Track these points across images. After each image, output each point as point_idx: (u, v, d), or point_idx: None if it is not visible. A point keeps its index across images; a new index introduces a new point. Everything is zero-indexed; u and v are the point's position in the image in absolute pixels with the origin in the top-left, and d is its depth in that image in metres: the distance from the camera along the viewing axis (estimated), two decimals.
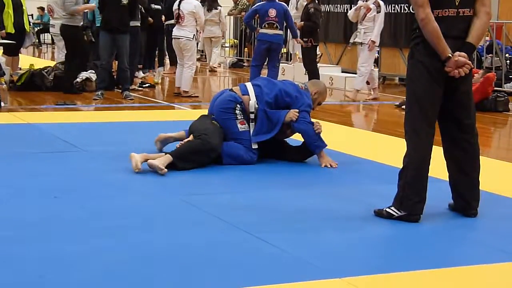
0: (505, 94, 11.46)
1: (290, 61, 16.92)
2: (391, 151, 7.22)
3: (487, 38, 15.82)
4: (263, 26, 11.70)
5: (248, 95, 6.64)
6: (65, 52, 12.53)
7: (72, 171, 6.06)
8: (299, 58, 15.03)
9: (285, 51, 18.41)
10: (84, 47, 12.36)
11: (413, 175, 4.72)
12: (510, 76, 13.32)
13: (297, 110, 6.54)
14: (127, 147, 6.93)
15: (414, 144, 4.75)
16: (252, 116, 6.57)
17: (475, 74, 11.35)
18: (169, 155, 6.11)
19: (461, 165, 4.90)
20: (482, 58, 14.51)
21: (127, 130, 7.81)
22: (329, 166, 6.49)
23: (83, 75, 12.36)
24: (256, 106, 6.56)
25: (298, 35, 12.39)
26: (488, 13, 4.76)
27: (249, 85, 6.78)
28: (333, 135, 7.47)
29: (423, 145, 4.73)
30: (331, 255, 4.09)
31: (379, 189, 5.56)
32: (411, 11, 14.15)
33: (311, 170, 6.41)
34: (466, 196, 4.93)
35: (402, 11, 14.44)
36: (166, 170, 5.95)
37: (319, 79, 12.17)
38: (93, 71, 12.33)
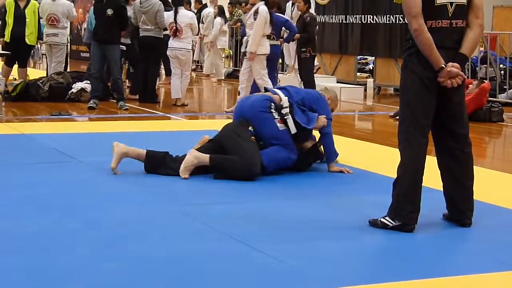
0: (500, 105, 11.49)
1: (285, 71, 16.93)
2: (386, 161, 7.23)
3: (482, 49, 15.88)
4: None
5: (278, 95, 6.72)
6: (56, 62, 12.74)
7: (68, 181, 6.06)
8: (294, 69, 15.06)
9: (280, 61, 18.43)
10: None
11: (407, 185, 4.73)
12: (505, 87, 13.36)
13: (325, 116, 6.71)
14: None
15: (408, 154, 4.76)
16: (285, 111, 6.60)
17: (469, 85, 11.40)
18: (208, 159, 6.22)
19: (455, 175, 4.92)
20: (477, 68, 14.56)
21: (122, 141, 7.77)
22: (345, 172, 6.68)
23: (78, 85, 12.37)
24: (288, 102, 6.66)
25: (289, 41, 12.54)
26: (481, 25, 4.80)
27: (276, 89, 6.93)
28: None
29: (416, 155, 4.75)
30: (327, 264, 4.09)
31: (373, 199, 5.57)
32: (406, 22, 14.20)
33: (306, 180, 6.42)
34: (460, 206, 4.95)
35: (397, 22, 14.49)
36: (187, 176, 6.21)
37: (315, 88, 12.24)
38: (88, 82, 12.35)
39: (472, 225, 4.93)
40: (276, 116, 6.57)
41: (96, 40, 11.43)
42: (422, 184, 4.78)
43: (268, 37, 11.56)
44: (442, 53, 4.64)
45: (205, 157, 6.25)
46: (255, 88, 11.25)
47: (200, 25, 17.63)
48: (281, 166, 6.51)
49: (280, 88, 6.93)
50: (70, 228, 4.68)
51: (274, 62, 11.93)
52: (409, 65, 4.77)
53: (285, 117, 6.59)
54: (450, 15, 4.70)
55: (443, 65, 4.63)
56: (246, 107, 6.72)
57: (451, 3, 4.69)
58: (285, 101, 6.65)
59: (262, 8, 11.03)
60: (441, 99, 4.77)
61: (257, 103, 6.65)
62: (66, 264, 3.97)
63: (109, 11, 11.32)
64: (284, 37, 12.73)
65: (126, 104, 11.58)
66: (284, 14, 16.91)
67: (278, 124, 6.56)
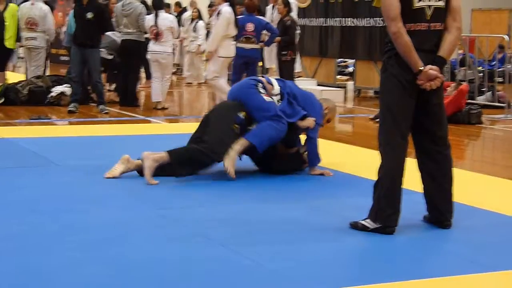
0: (478, 107, 11.56)
1: (266, 74, 16.95)
2: (366, 163, 7.25)
3: (460, 52, 15.98)
4: (240, 40, 11.70)
5: (272, 84, 6.78)
6: (35, 66, 12.67)
7: (48, 185, 6.04)
8: (274, 71, 15.07)
9: (260, 64, 18.44)
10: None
11: (387, 187, 4.76)
12: (483, 89, 13.44)
13: (314, 119, 6.72)
14: (102, 161, 6.93)
15: (388, 157, 4.78)
16: (275, 98, 6.66)
17: (447, 88, 11.46)
18: (167, 156, 6.19)
19: (435, 177, 4.94)
20: (456, 71, 14.64)
21: (102, 144, 7.79)
22: (326, 174, 6.72)
23: (58, 89, 12.32)
24: (280, 92, 6.73)
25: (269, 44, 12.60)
26: (459, 28, 4.83)
27: (271, 78, 6.99)
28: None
29: (396, 157, 4.77)
30: (307, 267, 4.10)
31: (354, 201, 5.59)
32: (385, 24, 14.26)
33: (286, 183, 6.43)
34: (440, 208, 4.97)
35: (377, 25, 14.55)
36: (156, 182, 6.11)
37: None
38: (68, 85, 12.29)
39: (451, 226, 4.96)
40: (262, 91, 6.63)
41: (77, 44, 11.35)
42: (402, 186, 4.80)
43: (248, 40, 11.57)
44: (421, 55, 4.67)
45: (163, 155, 6.21)
46: None
47: (181, 28, 17.58)
48: (273, 142, 6.54)
49: (277, 79, 7.00)
50: (50, 231, 4.67)
51: (254, 66, 11.94)
52: (388, 68, 4.80)
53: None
54: (428, 18, 4.73)
55: (421, 68, 4.65)
56: (235, 87, 6.91)
57: (429, 6, 4.73)
58: (276, 89, 6.71)
59: (225, 9, 11.11)
60: (420, 102, 4.80)
61: (244, 83, 6.86)
62: (47, 267, 3.96)
63: (89, 15, 11.26)
64: (265, 40, 12.73)
65: (106, 107, 11.55)
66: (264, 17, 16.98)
67: (265, 97, 6.60)
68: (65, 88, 12.28)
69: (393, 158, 4.77)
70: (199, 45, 17.03)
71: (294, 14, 14.70)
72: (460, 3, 4.86)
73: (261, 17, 12.51)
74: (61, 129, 10.01)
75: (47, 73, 13.93)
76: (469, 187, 6.43)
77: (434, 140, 4.91)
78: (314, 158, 6.76)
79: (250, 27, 11.63)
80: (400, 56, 4.69)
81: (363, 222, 4.83)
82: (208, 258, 4.20)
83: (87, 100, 12.28)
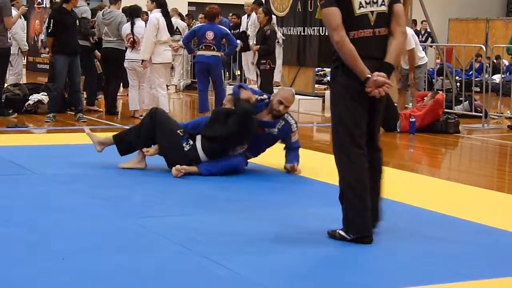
0: (456, 116, 11.62)
1: (244, 83, 16.95)
2: None
3: (438, 61, 16.08)
4: (200, 48, 11.70)
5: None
6: (14, 74, 12.60)
7: (23, 194, 5.99)
8: (253, 80, 15.08)
9: (238, 73, 18.46)
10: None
11: (351, 199, 4.72)
12: (460, 98, 13.53)
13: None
14: (79, 170, 6.90)
15: (347, 168, 4.75)
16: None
17: (424, 97, 11.52)
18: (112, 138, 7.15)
19: (374, 185, 4.88)
20: (433, 80, 14.72)
21: (79, 153, 7.73)
22: (295, 170, 7.14)
23: (35, 97, 12.24)
24: None
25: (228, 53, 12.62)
26: (404, 32, 4.82)
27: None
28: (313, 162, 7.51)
29: (355, 168, 4.72)
30: (282, 276, 4.09)
31: (333, 210, 5.59)
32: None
33: (262, 192, 6.42)
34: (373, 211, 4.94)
35: None
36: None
37: None
38: (45, 93, 12.22)
39: (427, 236, 4.98)
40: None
41: (67, 53, 11.20)
42: (368, 195, 4.74)
43: (208, 48, 11.56)
44: (367, 63, 4.62)
45: (108, 138, 7.19)
46: (221, 97, 11.31)
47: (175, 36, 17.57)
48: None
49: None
50: (25, 240, 4.63)
51: (215, 72, 11.84)
52: (336, 78, 4.76)
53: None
54: (372, 24, 4.70)
55: (369, 75, 4.60)
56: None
57: (372, 12, 4.70)
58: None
59: (152, 15, 11.24)
60: (371, 110, 4.78)
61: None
62: (22, 277, 3.92)
63: (75, 22, 11.35)
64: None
65: (84, 116, 11.48)
66: (240, 27, 16.99)
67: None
68: (42, 96, 12.20)
69: (352, 169, 4.73)
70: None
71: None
72: (403, 8, 4.85)
73: (221, 27, 12.50)
74: (38, 138, 9.94)
75: (24, 80, 13.83)
76: (446, 196, 6.46)
77: (373, 147, 4.89)
78: (293, 158, 7.19)
79: (210, 35, 11.63)
80: (346, 66, 4.65)
81: (340, 232, 4.81)
82: (186, 268, 4.19)
83: (65, 108, 12.19)
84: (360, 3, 4.67)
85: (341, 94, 4.73)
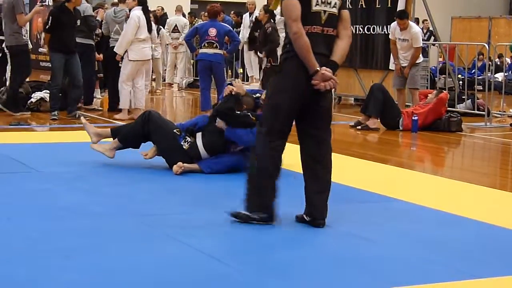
0: (458, 114, 11.61)
1: (247, 81, 16.97)
2: (347, 171, 7.27)
3: (440, 59, 16.06)
4: (202, 45, 11.66)
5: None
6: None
7: (26, 192, 6.00)
8: (255, 78, 15.09)
9: (241, 71, 18.47)
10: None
11: (260, 184, 4.98)
12: (463, 97, 13.51)
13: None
14: (81, 168, 6.91)
15: (261, 152, 4.98)
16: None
17: (428, 95, 11.51)
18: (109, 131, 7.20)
19: (318, 180, 5.09)
20: (436, 79, 14.71)
21: (82, 151, 7.73)
22: None
23: (38, 95, 12.24)
24: None
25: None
26: (349, 36, 5.18)
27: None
28: (289, 155, 7.49)
29: (271, 157, 4.97)
30: (284, 274, 4.10)
31: (335, 208, 5.59)
32: (366, 32, 14.33)
33: None
34: (318, 208, 5.08)
35: (357, 32, 14.59)
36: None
37: None
38: (48, 91, 12.22)
39: (430, 234, 4.99)
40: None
41: (64, 51, 11.20)
42: (276, 180, 4.98)
43: (210, 45, 11.54)
44: (315, 57, 4.88)
45: (106, 131, 7.27)
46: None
47: (173, 34, 17.63)
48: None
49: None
50: (28, 238, 4.63)
51: (218, 70, 11.84)
52: (284, 68, 4.99)
53: None
54: (322, 23, 4.98)
55: (318, 68, 4.85)
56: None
57: (324, 11, 4.98)
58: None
59: (134, 13, 11.21)
60: (311, 104, 4.99)
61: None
62: (24, 274, 3.93)
63: (78, 22, 11.39)
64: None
65: (81, 113, 11.54)
66: (241, 25, 16.99)
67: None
68: (44, 94, 12.19)
69: (268, 158, 4.97)
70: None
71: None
72: (349, 13, 5.20)
73: (224, 24, 12.48)
74: (41, 135, 9.95)
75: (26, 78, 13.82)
76: (448, 194, 6.46)
77: (319, 143, 5.10)
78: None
79: (212, 32, 11.59)
80: (296, 58, 4.89)
81: (245, 212, 5.01)
82: (191, 265, 4.19)
83: (65, 105, 12.17)
84: (317, 1, 4.96)
85: (285, 85, 4.96)
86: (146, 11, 11.32)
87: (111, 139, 7.19)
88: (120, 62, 11.42)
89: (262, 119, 5.06)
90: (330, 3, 4.99)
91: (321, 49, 4.95)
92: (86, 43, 12.31)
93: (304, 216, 5.12)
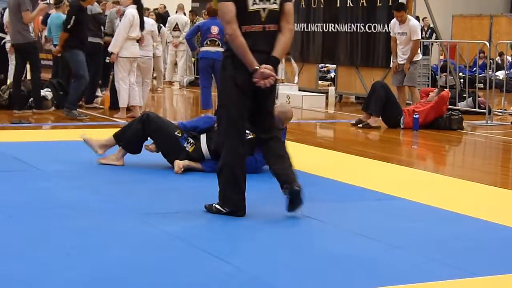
0: (459, 112, 11.61)
1: None
2: (348, 168, 7.27)
3: (441, 57, 16.06)
4: (204, 43, 11.62)
5: None
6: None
7: (27, 190, 6.00)
8: None
9: None
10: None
11: (228, 177, 5.17)
12: (464, 95, 13.51)
13: None
14: (82, 167, 6.91)
15: (227, 152, 5.19)
16: None
17: (429, 93, 11.51)
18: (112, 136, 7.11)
19: (278, 156, 5.32)
20: (437, 77, 14.71)
21: (83, 149, 7.72)
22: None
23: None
24: None
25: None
26: (291, 30, 5.25)
27: None
28: (290, 153, 7.49)
29: (233, 153, 5.16)
30: (287, 273, 4.10)
31: (336, 206, 5.60)
32: (367, 30, 14.32)
33: (266, 189, 6.41)
34: (287, 174, 5.32)
35: (358, 30, 14.60)
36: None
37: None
38: (49, 90, 12.23)
39: (431, 232, 4.99)
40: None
41: (84, 50, 11.40)
42: (244, 173, 5.17)
43: (213, 43, 11.52)
44: (256, 56, 5.03)
45: (110, 140, 7.16)
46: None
47: (173, 32, 17.63)
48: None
49: None
50: (28, 236, 4.64)
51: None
52: (225, 68, 5.18)
53: None
54: (263, 20, 5.10)
55: (256, 67, 5.00)
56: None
57: (264, 9, 5.10)
58: None
59: (129, 11, 11.24)
60: (256, 103, 5.20)
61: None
62: (25, 272, 3.93)
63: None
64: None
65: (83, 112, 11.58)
66: None
67: None
68: (46, 92, 12.20)
69: (231, 153, 5.16)
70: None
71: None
72: (292, 7, 5.28)
73: None
74: (42, 134, 9.95)
75: (27, 77, 13.83)
76: (449, 193, 6.46)
77: (265, 132, 5.35)
78: None
79: (214, 30, 11.55)
80: (236, 57, 5.06)
81: (216, 205, 5.21)
82: (192, 264, 4.19)
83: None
84: (254, 0, 5.07)
85: (229, 84, 5.15)
86: (140, 9, 11.34)
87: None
88: (114, 59, 11.43)
89: (217, 119, 5.25)
90: (269, 0, 5.11)
91: (262, 46, 5.09)
92: (95, 41, 12.35)
93: (283, 191, 5.27)
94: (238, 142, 5.18)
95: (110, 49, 11.34)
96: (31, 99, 12.07)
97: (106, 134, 8.46)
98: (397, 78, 12.18)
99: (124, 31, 11.13)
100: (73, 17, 11.26)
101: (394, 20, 12.21)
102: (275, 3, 5.13)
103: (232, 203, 5.20)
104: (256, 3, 5.08)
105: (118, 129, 7.43)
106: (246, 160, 5.27)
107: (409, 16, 12.15)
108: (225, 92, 5.23)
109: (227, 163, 5.18)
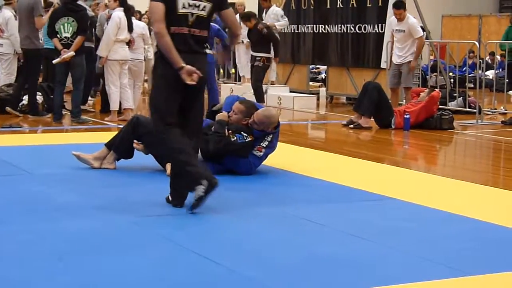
0: (450, 112, 11.64)
1: (239, 81, 16.96)
2: (339, 169, 7.28)
3: (431, 58, 16.09)
4: None
5: None
6: (6, 74, 12.53)
7: (19, 194, 5.99)
8: (247, 79, 15.07)
9: (233, 71, 18.46)
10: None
11: (183, 162, 5.32)
12: (454, 95, 13.55)
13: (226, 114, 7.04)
14: (75, 170, 6.90)
15: (168, 142, 5.38)
16: None
17: (420, 93, 11.53)
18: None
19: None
20: (427, 77, 14.74)
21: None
22: None
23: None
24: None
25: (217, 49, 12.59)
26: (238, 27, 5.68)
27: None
28: (282, 154, 7.51)
29: (174, 140, 5.34)
30: (279, 273, 4.10)
31: (328, 206, 5.61)
32: (357, 31, 14.35)
33: (259, 191, 6.42)
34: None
35: (349, 31, 14.62)
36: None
37: (263, 98, 12.59)
38: (40, 93, 12.20)
39: (424, 232, 5.00)
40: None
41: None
42: (194, 164, 5.29)
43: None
44: (183, 55, 5.25)
45: (102, 151, 7.11)
46: (213, 96, 11.32)
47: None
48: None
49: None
50: (22, 241, 4.63)
51: (209, 71, 11.78)
52: (156, 67, 5.46)
53: None
54: (190, 24, 5.37)
55: (182, 65, 5.22)
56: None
57: (192, 14, 5.38)
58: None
59: (115, 13, 11.29)
60: (187, 98, 5.41)
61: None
62: (18, 277, 3.92)
63: None
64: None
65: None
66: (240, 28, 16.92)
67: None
68: (37, 97, 12.17)
69: (172, 141, 5.35)
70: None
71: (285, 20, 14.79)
72: (233, 11, 5.63)
73: (213, 24, 12.46)
74: (33, 138, 9.93)
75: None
76: (440, 192, 6.48)
77: (192, 130, 5.51)
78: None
79: None
80: (165, 56, 5.28)
81: (197, 193, 5.24)
82: (186, 267, 4.19)
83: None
84: (183, 4, 5.33)
85: (160, 82, 5.41)
86: (126, 11, 11.34)
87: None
88: (103, 63, 11.42)
89: (150, 113, 5.54)
90: (198, 7, 5.38)
91: (191, 46, 5.36)
92: (87, 45, 12.30)
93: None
94: (171, 130, 5.34)
95: (98, 52, 11.35)
96: (21, 103, 12.04)
97: (97, 138, 8.48)
98: (393, 79, 12.19)
99: (112, 34, 11.15)
100: (89, 22, 11.33)
101: (392, 17, 12.23)
102: (204, 10, 5.40)
103: (204, 177, 5.22)
104: (185, 7, 5.34)
105: (108, 132, 7.42)
106: (187, 144, 5.38)
107: (408, 14, 12.16)
108: (156, 89, 5.44)
109: (175, 156, 5.39)
